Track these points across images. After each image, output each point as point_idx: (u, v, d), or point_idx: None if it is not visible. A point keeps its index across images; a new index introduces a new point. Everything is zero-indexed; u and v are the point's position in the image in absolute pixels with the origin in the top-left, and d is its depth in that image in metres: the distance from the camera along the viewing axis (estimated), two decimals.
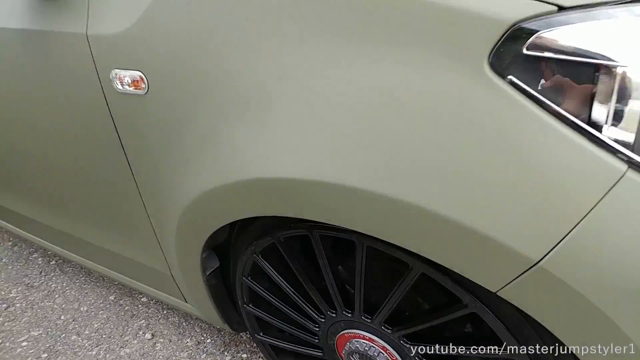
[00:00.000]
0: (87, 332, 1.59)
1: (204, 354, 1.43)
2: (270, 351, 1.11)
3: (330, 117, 0.62)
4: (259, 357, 1.39)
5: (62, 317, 1.67)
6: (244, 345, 1.44)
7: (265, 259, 0.89)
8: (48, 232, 1.54)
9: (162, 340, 1.51)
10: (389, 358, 0.82)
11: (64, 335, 1.59)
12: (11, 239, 2.24)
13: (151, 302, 1.68)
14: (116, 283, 1.80)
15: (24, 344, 1.59)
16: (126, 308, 1.67)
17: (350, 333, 0.85)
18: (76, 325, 1.62)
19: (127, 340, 1.53)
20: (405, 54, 0.57)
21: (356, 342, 0.85)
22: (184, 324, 1.57)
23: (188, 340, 1.50)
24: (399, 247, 0.64)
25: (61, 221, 1.40)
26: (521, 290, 0.56)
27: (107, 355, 1.48)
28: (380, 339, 0.82)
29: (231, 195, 0.76)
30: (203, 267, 1.02)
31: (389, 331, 0.78)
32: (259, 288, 0.95)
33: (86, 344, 1.54)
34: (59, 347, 1.54)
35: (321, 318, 0.88)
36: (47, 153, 1.18)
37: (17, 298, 1.81)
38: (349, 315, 0.82)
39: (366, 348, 0.84)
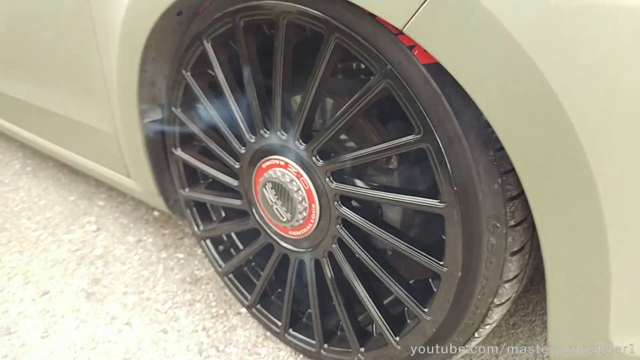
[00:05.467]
0: (37, 218, 1.59)
1: (142, 250, 1.40)
2: (194, 212, 1.08)
3: None
4: (195, 259, 1.35)
5: (20, 206, 1.68)
6: (183, 247, 1.41)
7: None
8: (12, 107, 1.62)
9: (105, 233, 1.49)
10: (299, 184, 0.79)
11: (15, 218, 1.60)
12: None
13: (106, 206, 1.68)
14: (80, 189, 1.81)
15: None
16: (81, 207, 1.67)
17: (270, 161, 0.82)
18: (29, 213, 1.63)
19: (72, 229, 1.52)
20: None
21: (272, 172, 0.82)
22: (131, 224, 1.55)
23: (130, 237, 1.47)
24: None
25: (26, 92, 1.46)
26: (426, 24, 0.53)
27: (49, 238, 1.47)
28: (299, 165, 0.78)
29: None
30: (141, 110, 1.03)
31: (319, 162, 0.74)
32: (196, 84, 0.91)
33: (32, 227, 1.54)
34: (5, 226, 1.54)
35: (251, 138, 0.83)
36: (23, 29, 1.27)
37: None
38: (284, 137, 0.77)
39: (279, 175, 0.81)
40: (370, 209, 0.84)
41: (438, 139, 0.61)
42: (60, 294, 1.20)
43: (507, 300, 0.68)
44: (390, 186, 0.80)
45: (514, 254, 0.63)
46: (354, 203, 0.80)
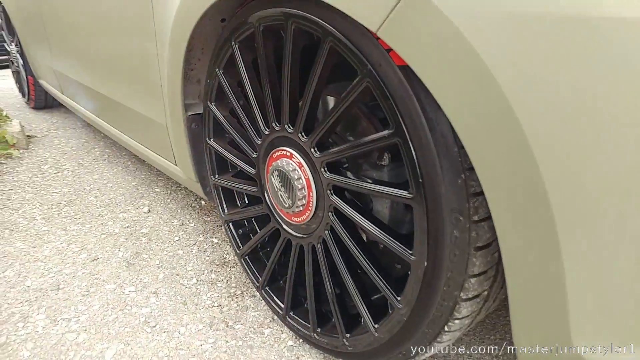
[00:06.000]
0: (103, 197, 1.80)
1: (183, 232, 1.54)
2: (221, 197, 1.19)
3: None
4: (227, 244, 1.46)
5: (91, 186, 1.91)
6: (219, 234, 1.53)
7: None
8: (80, 92, 1.85)
9: (154, 215, 1.66)
10: (301, 173, 0.86)
11: (85, 195, 1.82)
12: (83, 136, 2.61)
13: (161, 192, 1.85)
14: (142, 176, 2.01)
15: (54, 192, 1.85)
16: (140, 191, 1.86)
17: (279, 152, 0.90)
18: (97, 192, 1.85)
19: (128, 209, 1.70)
20: None
21: (279, 161, 0.90)
22: (178, 210, 1.70)
23: (175, 220, 1.62)
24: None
25: (96, 82, 1.68)
26: (396, 27, 0.58)
27: (109, 214, 1.66)
28: (301, 155, 0.85)
29: None
30: (184, 104, 1.16)
31: (317, 154, 0.81)
32: (226, 81, 1.01)
33: (97, 204, 1.74)
34: (76, 201, 1.76)
35: (266, 130, 0.92)
36: (91, 29, 1.47)
37: (67, 169, 2.10)
38: (290, 130, 0.85)
39: (284, 164, 0.88)
40: (359, 201, 0.88)
41: (407, 135, 0.65)
42: (107, 261, 1.36)
43: (477, 296, 0.69)
44: (374, 179, 0.84)
45: (479, 249, 0.65)
46: (347, 195, 0.85)
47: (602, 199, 0.52)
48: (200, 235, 1.52)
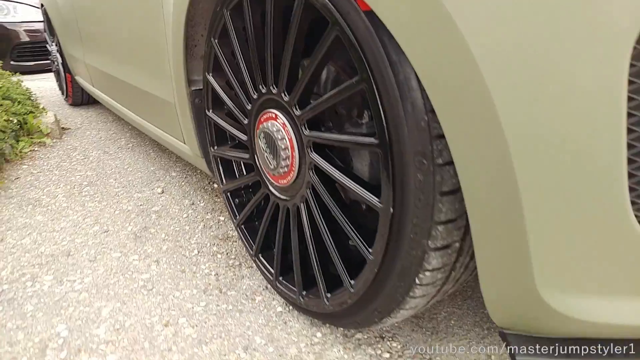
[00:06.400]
0: (121, 180, 1.88)
1: (192, 211, 1.58)
2: (219, 169, 1.22)
3: None
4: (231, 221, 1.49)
5: (112, 170, 1.99)
6: (225, 212, 1.56)
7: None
8: (106, 82, 1.94)
9: (167, 195, 1.71)
10: (284, 133, 0.88)
11: (105, 178, 1.90)
12: (112, 129, 2.74)
13: (177, 176, 1.91)
14: (161, 162, 2.09)
15: (79, 174, 1.94)
16: (157, 175, 1.93)
17: (266, 115, 0.92)
18: (117, 176, 1.93)
19: (143, 190, 1.77)
20: None
21: (265, 124, 0.92)
22: (191, 191, 1.75)
23: (186, 200, 1.67)
24: None
25: (116, 70, 1.76)
26: None
27: (124, 194, 1.73)
28: (284, 115, 0.87)
29: None
30: (188, 80, 1.21)
31: (297, 112, 0.83)
32: (221, 51, 1.04)
33: (115, 185, 1.82)
34: (97, 182, 1.85)
35: (254, 94, 0.94)
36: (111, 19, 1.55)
37: (93, 156, 2.21)
38: (274, 91, 0.87)
39: (269, 125, 0.90)
40: (338, 159, 0.88)
41: (373, 80, 0.65)
42: (116, 233, 1.41)
43: (446, 247, 0.68)
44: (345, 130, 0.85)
45: (444, 194, 0.64)
46: (327, 152, 0.86)
47: (560, 142, 0.51)
48: (209, 214, 1.56)
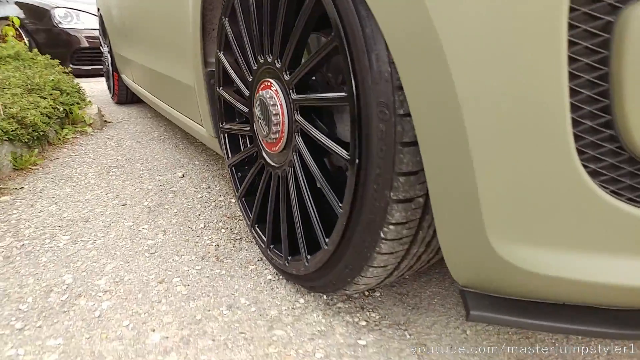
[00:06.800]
0: (147, 165, 1.99)
1: (207, 193, 1.66)
2: (226, 144, 1.28)
3: None
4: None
5: (141, 157, 2.11)
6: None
7: None
8: (143, 74, 2.07)
9: (187, 179, 1.80)
10: (276, 99, 0.92)
11: (133, 162, 2.02)
12: (149, 123, 2.89)
13: (199, 164, 2.00)
14: (187, 152, 2.19)
15: (110, 158, 2.07)
16: (182, 162, 2.03)
17: (263, 84, 0.97)
18: (144, 161, 2.04)
19: (165, 174, 1.86)
20: None
21: (262, 92, 0.97)
22: (210, 177, 1.83)
23: (203, 184, 1.75)
24: None
25: (144, 58, 1.89)
26: None
27: (147, 176, 1.83)
28: (277, 82, 0.92)
29: None
30: (204, 61, 1.29)
31: (287, 78, 0.88)
32: (230, 29, 1.10)
33: (141, 168, 1.93)
34: (125, 165, 1.97)
35: (255, 65, 1.00)
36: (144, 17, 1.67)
37: (126, 144, 2.35)
38: (270, 59, 0.93)
39: (264, 93, 0.95)
40: (321, 123, 0.92)
41: (344, 35, 0.69)
42: (133, 207, 1.50)
43: (408, 200, 0.69)
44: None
45: (405, 145, 0.66)
46: (313, 117, 0.89)
47: (506, 95, 0.52)
48: (222, 196, 1.62)
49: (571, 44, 0.50)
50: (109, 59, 3.54)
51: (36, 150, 1.99)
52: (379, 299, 1.00)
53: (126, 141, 2.42)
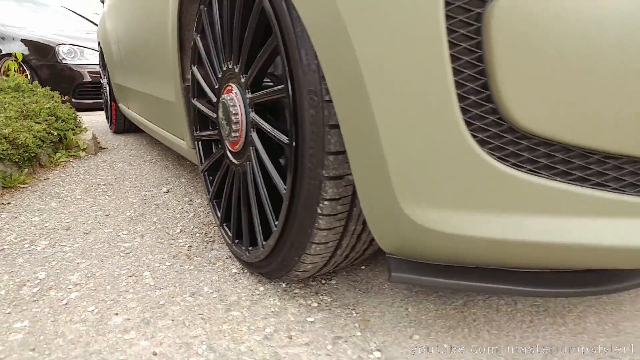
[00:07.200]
0: (135, 183, 2.07)
1: (188, 205, 1.73)
2: (200, 151, 1.37)
3: None
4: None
5: (130, 176, 2.20)
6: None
7: None
8: (131, 96, 2.19)
9: (171, 194, 1.88)
10: (235, 100, 1.01)
11: (122, 180, 2.11)
12: (143, 149, 3.00)
13: (186, 181, 2.09)
14: (175, 171, 2.28)
15: (100, 178, 2.16)
16: (168, 180, 2.12)
17: (226, 89, 1.06)
18: (133, 179, 2.13)
19: (151, 190, 1.95)
20: None
21: (223, 96, 1.06)
22: (194, 192, 1.91)
23: (186, 198, 1.82)
24: None
25: (136, 82, 2.00)
26: None
27: (133, 192, 1.91)
28: (236, 85, 1.02)
29: None
30: (182, 76, 1.39)
31: (243, 79, 0.98)
32: (200, 43, 1.21)
33: (128, 186, 2.01)
34: (113, 184, 2.05)
35: (219, 72, 1.10)
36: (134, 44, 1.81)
37: (117, 167, 2.44)
38: (230, 65, 1.03)
39: (225, 97, 1.04)
40: (273, 118, 1.00)
41: (280, 36, 0.78)
42: (115, 217, 1.58)
43: (339, 177, 0.76)
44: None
45: (332, 127, 0.74)
46: (267, 115, 0.98)
47: (403, 73, 0.61)
48: (202, 208, 1.70)
49: (450, 31, 0.58)
50: (108, 89, 3.69)
51: (26, 170, 2.08)
52: (335, 285, 1.06)
53: (118, 164, 2.51)
